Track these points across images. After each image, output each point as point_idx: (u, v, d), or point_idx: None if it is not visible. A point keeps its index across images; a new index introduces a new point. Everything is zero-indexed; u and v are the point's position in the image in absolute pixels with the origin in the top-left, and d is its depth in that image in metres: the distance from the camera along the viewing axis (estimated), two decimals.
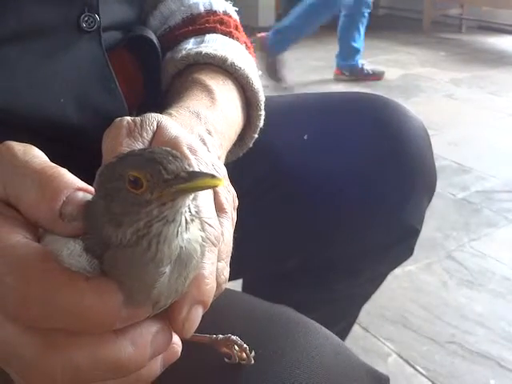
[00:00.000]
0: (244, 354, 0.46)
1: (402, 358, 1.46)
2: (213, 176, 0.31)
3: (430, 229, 1.99)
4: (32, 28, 0.57)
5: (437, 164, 0.90)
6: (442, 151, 2.69)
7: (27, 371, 0.33)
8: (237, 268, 0.48)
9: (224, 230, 0.43)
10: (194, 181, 0.31)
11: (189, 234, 0.34)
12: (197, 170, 0.33)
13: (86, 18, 0.59)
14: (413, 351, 1.48)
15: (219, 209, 0.44)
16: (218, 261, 0.40)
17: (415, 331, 1.56)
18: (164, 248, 0.33)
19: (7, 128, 0.52)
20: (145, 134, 0.44)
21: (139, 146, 0.42)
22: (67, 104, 0.58)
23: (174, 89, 0.66)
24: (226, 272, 0.42)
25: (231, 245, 0.44)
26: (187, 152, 0.44)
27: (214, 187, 0.32)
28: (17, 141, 0.38)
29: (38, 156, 0.36)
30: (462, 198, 2.33)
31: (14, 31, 0.56)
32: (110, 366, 0.33)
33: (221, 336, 0.46)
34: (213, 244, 0.39)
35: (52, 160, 0.37)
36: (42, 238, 0.35)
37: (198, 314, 0.36)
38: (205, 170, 0.42)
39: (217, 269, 0.40)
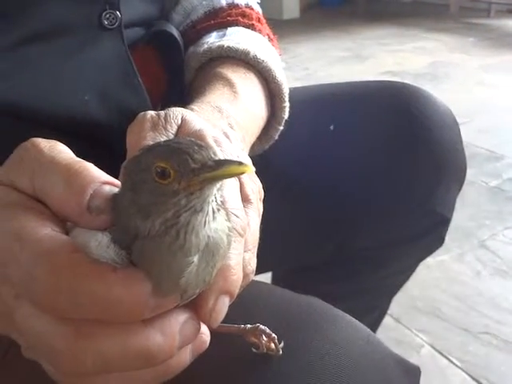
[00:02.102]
0: (272, 344, 0.46)
1: (435, 349, 1.45)
2: (240, 163, 0.31)
3: (462, 218, 1.96)
4: (55, 27, 0.58)
5: (468, 152, 0.88)
6: (473, 139, 2.64)
7: (58, 361, 0.33)
8: (265, 261, 0.48)
9: (250, 220, 0.43)
10: (221, 168, 0.32)
11: (216, 224, 0.35)
12: (223, 158, 0.33)
13: (108, 16, 0.60)
14: (446, 342, 1.46)
15: (245, 200, 0.44)
16: (245, 251, 0.41)
17: (448, 322, 1.54)
18: (192, 237, 0.33)
19: (32, 126, 0.53)
20: (169, 128, 0.44)
21: (163, 139, 0.42)
22: (91, 101, 0.59)
23: (197, 83, 0.66)
24: (252, 262, 0.42)
25: (258, 235, 0.44)
26: (213, 144, 0.44)
27: (241, 174, 0.32)
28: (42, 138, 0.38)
29: (64, 151, 0.37)
30: (494, 186, 2.29)
31: (38, 31, 0.57)
32: (139, 354, 0.33)
33: (249, 326, 0.46)
34: (239, 234, 0.39)
35: (77, 156, 0.37)
36: (70, 232, 0.35)
37: (224, 303, 0.37)
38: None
39: (243, 259, 0.40)
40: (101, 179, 0.35)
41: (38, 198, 0.36)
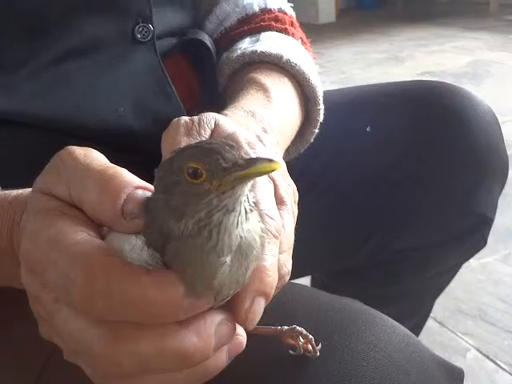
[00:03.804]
0: (309, 346, 0.46)
1: (481, 352, 1.41)
2: (270, 160, 0.32)
3: (507, 218, 1.91)
4: (90, 43, 0.59)
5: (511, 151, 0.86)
6: None
7: (96, 362, 0.34)
8: (303, 265, 0.48)
9: (285, 222, 0.43)
10: (252, 167, 0.32)
11: (248, 225, 0.35)
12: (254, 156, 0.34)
13: (141, 29, 0.62)
14: (493, 346, 1.42)
15: (279, 202, 0.44)
16: (280, 253, 0.41)
17: (494, 325, 1.50)
18: (225, 237, 0.33)
19: (69, 138, 0.55)
20: (203, 132, 0.45)
21: None
22: (126, 113, 0.60)
23: (231, 89, 0.67)
24: (288, 264, 0.42)
25: (293, 237, 0.44)
26: (246, 146, 0.44)
27: (272, 171, 0.32)
28: None
29: (98, 158, 0.38)
30: None
31: (73, 47, 0.59)
32: (175, 356, 0.34)
33: (286, 327, 0.46)
34: (274, 236, 0.39)
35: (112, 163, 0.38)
36: (105, 236, 0.36)
37: (260, 305, 0.37)
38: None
39: (279, 261, 0.40)
40: (134, 184, 0.36)
41: (74, 205, 0.37)
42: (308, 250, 0.67)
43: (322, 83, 0.73)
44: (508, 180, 0.90)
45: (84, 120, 0.58)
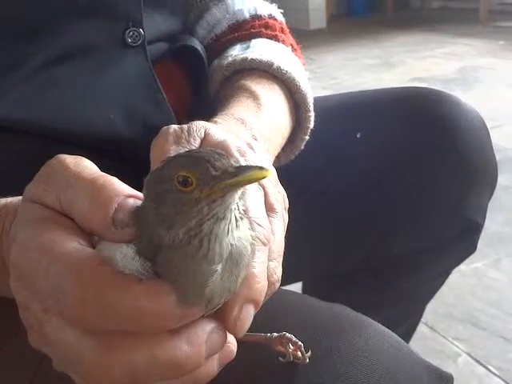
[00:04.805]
0: (299, 353, 0.46)
1: (472, 357, 1.41)
2: (260, 168, 0.32)
3: (497, 223, 1.92)
4: (80, 47, 0.59)
5: (500, 156, 0.87)
6: (506, 142, 2.58)
7: (87, 372, 0.34)
8: (294, 271, 0.48)
9: (275, 229, 0.43)
10: (242, 174, 0.32)
11: (239, 232, 0.35)
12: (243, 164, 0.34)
13: (131, 34, 0.61)
14: (484, 350, 1.43)
15: (269, 209, 0.44)
16: (270, 260, 0.41)
17: (485, 330, 1.50)
18: (215, 246, 0.33)
19: (59, 144, 0.55)
20: (192, 141, 0.45)
21: None
22: (117, 119, 0.60)
23: (221, 96, 0.67)
24: (278, 271, 0.42)
25: (283, 244, 0.44)
26: (237, 154, 0.44)
27: (262, 179, 0.32)
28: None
29: (88, 167, 0.38)
30: None
31: (63, 52, 0.58)
32: (167, 365, 0.34)
33: (275, 334, 0.46)
34: (263, 243, 0.39)
35: (102, 172, 0.38)
36: (96, 245, 0.36)
37: (249, 312, 0.37)
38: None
39: (268, 268, 0.40)
40: (125, 193, 0.36)
41: (65, 213, 0.37)
42: (299, 255, 0.67)
43: (312, 89, 0.73)
44: (497, 185, 0.91)
45: (74, 126, 0.58)
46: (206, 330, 0.36)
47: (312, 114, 0.71)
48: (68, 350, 0.34)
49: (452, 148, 0.81)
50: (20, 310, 0.38)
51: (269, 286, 0.40)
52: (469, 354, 1.42)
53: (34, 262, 0.35)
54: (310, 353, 0.46)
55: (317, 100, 0.73)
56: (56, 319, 0.34)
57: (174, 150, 0.43)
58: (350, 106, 0.91)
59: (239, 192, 0.34)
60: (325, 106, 0.80)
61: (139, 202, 0.36)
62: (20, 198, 0.40)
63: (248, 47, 0.71)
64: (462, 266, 0.99)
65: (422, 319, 1.11)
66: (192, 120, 0.48)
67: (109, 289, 0.32)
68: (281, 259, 0.43)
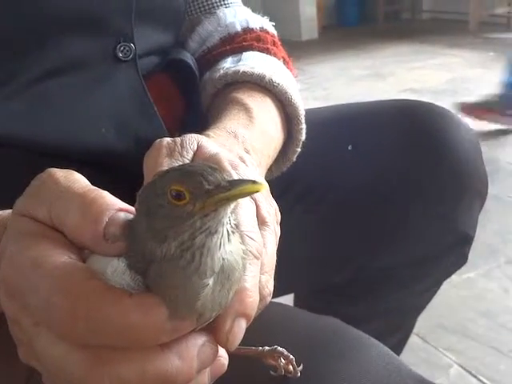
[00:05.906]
0: (290, 367, 0.46)
1: (464, 368, 1.42)
2: (253, 182, 0.32)
3: (488, 234, 1.94)
4: (71, 63, 0.59)
5: (491, 167, 0.88)
6: (498, 153, 2.61)
7: None
8: (287, 283, 0.48)
9: (266, 242, 0.43)
10: (235, 188, 0.32)
11: (231, 246, 0.35)
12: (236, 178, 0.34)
13: (122, 48, 0.61)
14: (476, 361, 1.43)
15: (261, 222, 0.44)
16: (262, 274, 0.41)
17: (477, 340, 1.51)
18: (207, 260, 0.33)
19: (50, 159, 0.55)
20: (185, 154, 0.45)
21: None
22: (108, 133, 0.60)
23: (213, 109, 0.67)
24: (269, 285, 0.42)
25: (275, 258, 0.44)
26: (229, 167, 0.44)
27: (255, 192, 0.32)
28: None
29: (79, 180, 0.38)
30: None
31: (53, 67, 0.58)
32: (158, 379, 0.33)
33: (267, 348, 0.46)
34: (255, 257, 0.39)
35: (94, 186, 0.38)
36: (87, 259, 0.36)
37: (241, 326, 0.37)
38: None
39: (260, 282, 0.40)
40: (116, 206, 0.36)
41: (55, 227, 0.37)
42: (292, 267, 0.67)
43: (304, 99, 0.73)
44: (488, 195, 0.91)
45: (65, 141, 0.58)
46: (197, 343, 0.36)
47: (304, 126, 0.71)
48: (57, 365, 0.34)
49: (443, 161, 0.82)
50: (9, 325, 0.37)
51: (260, 300, 0.40)
52: (460, 365, 1.43)
53: (23, 277, 0.34)
54: (301, 366, 0.46)
55: (309, 112, 0.73)
56: (45, 333, 0.34)
57: (166, 163, 0.43)
58: (342, 118, 0.91)
59: (232, 206, 0.34)
60: (316, 118, 0.80)
61: (130, 216, 0.36)
62: (10, 211, 0.40)
63: (240, 60, 0.71)
64: (454, 277, 0.99)
65: (414, 330, 1.11)
66: (184, 133, 0.49)
67: (99, 303, 0.32)
68: (273, 273, 0.43)
